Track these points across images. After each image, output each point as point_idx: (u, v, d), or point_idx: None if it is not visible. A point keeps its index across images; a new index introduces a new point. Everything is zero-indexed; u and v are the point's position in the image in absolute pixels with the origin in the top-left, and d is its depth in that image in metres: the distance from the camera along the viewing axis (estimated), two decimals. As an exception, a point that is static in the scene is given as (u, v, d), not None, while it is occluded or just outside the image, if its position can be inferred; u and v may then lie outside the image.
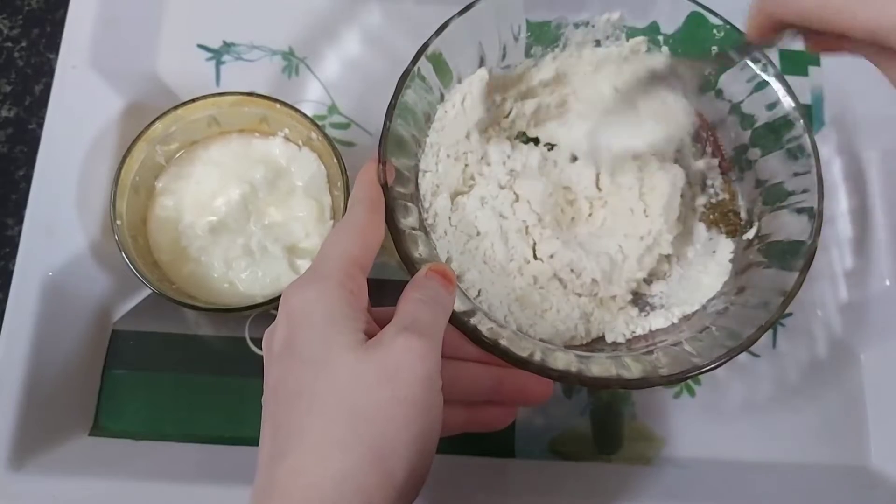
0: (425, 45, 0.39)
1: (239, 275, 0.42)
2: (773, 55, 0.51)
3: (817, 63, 0.52)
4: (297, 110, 0.42)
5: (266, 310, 0.40)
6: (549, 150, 0.44)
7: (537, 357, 0.34)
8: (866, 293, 0.47)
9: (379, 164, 0.36)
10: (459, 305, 0.35)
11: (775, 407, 0.45)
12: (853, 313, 0.47)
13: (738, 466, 0.43)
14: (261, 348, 0.43)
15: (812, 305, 0.47)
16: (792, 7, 0.28)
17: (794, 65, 0.51)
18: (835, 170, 0.49)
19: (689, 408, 0.44)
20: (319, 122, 0.44)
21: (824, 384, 0.45)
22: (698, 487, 0.42)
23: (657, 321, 0.41)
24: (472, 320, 0.35)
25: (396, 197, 0.36)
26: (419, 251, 0.36)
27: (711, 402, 0.44)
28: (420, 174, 0.41)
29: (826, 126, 0.50)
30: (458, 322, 0.34)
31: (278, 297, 0.39)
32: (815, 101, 0.51)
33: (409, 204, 0.38)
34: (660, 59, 0.42)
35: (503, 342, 0.34)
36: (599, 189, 0.43)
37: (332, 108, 0.49)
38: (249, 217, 0.43)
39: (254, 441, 0.41)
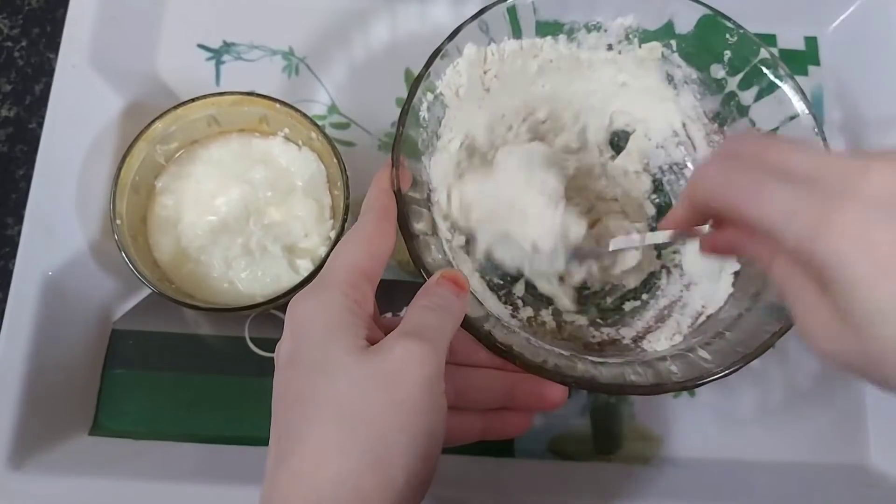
0: (438, 50, 0.38)
1: (239, 274, 0.42)
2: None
3: (817, 63, 0.52)
4: (296, 110, 0.42)
5: (266, 309, 0.40)
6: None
7: (551, 363, 0.34)
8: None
9: (392, 170, 0.36)
10: (473, 311, 0.34)
11: (775, 406, 0.45)
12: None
13: (738, 466, 0.43)
14: (260, 348, 0.44)
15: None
16: (709, 191, 0.27)
17: (794, 65, 0.51)
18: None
19: (689, 408, 0.44)
20: (319, 122, 0.43)
21: (824, 384, 0.45)
22: (697, 487, 0.42)
23: (671, 326, 0.40)
24: (486, 326, 0.35)
25: (409, 202, 0.36)
26: (432, 256, 0.36)
27: (711, 402, 0.44)
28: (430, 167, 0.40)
29: (826, 125, 0.50)
30: (472, 328, 0.34)
31: (278, 297, 0.39)
32: (815, 101, 0.51)
33: (422, 209, 0.38)
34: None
35: (517, 348, 0.34)
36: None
37: (332, 108, 0.49)
38: (249, 217, 0.43)
39: (253, 441, 0.42)
